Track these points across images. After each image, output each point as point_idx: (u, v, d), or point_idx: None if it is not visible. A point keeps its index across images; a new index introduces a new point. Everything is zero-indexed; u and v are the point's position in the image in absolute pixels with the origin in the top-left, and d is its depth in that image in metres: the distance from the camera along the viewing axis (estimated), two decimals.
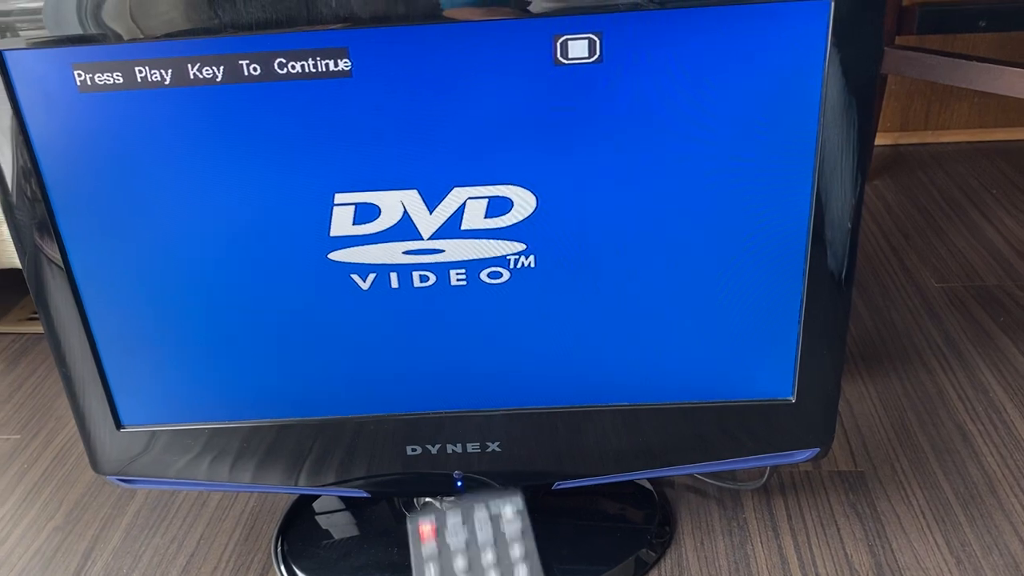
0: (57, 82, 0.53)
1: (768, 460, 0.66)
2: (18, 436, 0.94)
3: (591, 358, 0.61)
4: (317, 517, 0.81)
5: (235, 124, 0.54)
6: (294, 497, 0.82)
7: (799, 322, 0.60)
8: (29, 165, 0.55)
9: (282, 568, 0.74)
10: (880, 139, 1.53)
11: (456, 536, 0.41)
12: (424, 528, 0.43)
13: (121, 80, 0.52)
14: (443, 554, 0.40)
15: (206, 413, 0.64)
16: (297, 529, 0.79)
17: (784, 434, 0.64)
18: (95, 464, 0.67)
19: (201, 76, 0.52)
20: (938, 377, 0.94)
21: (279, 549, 0.76)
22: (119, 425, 0.64)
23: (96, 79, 0.52)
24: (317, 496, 0.82)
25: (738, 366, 0.62)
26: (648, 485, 0.80)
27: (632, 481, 0.79)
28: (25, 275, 0.60)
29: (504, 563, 0.39)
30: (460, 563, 0.40)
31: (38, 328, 1.13)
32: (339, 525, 0.81)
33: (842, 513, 0.77)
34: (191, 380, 0.63)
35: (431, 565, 0.40)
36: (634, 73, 0.52)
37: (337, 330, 0.61)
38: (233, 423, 0.64)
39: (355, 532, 0.81)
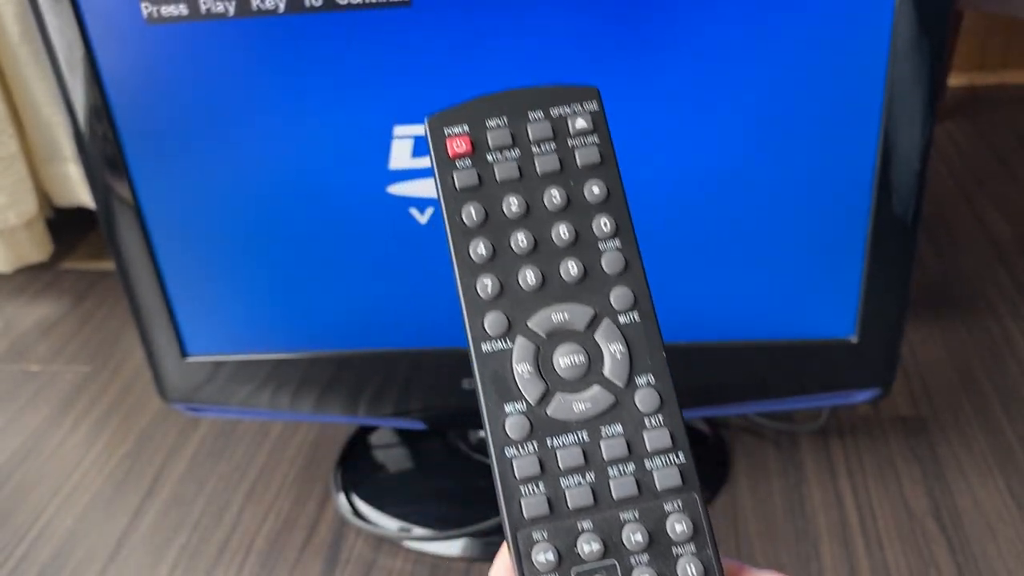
0: (124, 14, 0.53)
1: (827, 400, 0.66)
2: (88, 368, 0.98)
3: None
4: (374, 450, 0.83)
5: (296, 55, 0.54)
6: (352, 430, 0.84)
7: (863, 262, 0.59)
8: (99, 101, 0.56)
9: (341, 496, 0.76)
10: (954, 79, 1.47)
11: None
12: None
13: (186, 11, 0.53)
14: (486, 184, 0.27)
15: (267, 344, 0.66)
16: (355, 460, 0.81)
17: (844, 374, 0.63)
18: (162, 392, 0.69)
19: (264, 7, 0.52)
20: (1006, 323, 0.92)
21: (338, 478, 0.78)
22: (184, 354, 0.66)
23: (162, 11, 0.53)
24: (374, 429, 0.84)
25: (800, 305, 0.61)
26: (703, 426, 0.80)
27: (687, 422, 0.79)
28: (96, 208, 0.61)
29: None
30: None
31: (103, 265, 1.16)
32: (395, 458, 0.83)
33: (901, 456, 0.76)
34: (253, 311, 0.65)
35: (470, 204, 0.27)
36: None
37: (395, 263, 0.61)
38: (294, 354, 0.66)
39: (410, 465, 0.82)
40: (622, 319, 0.26)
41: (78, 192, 1.12)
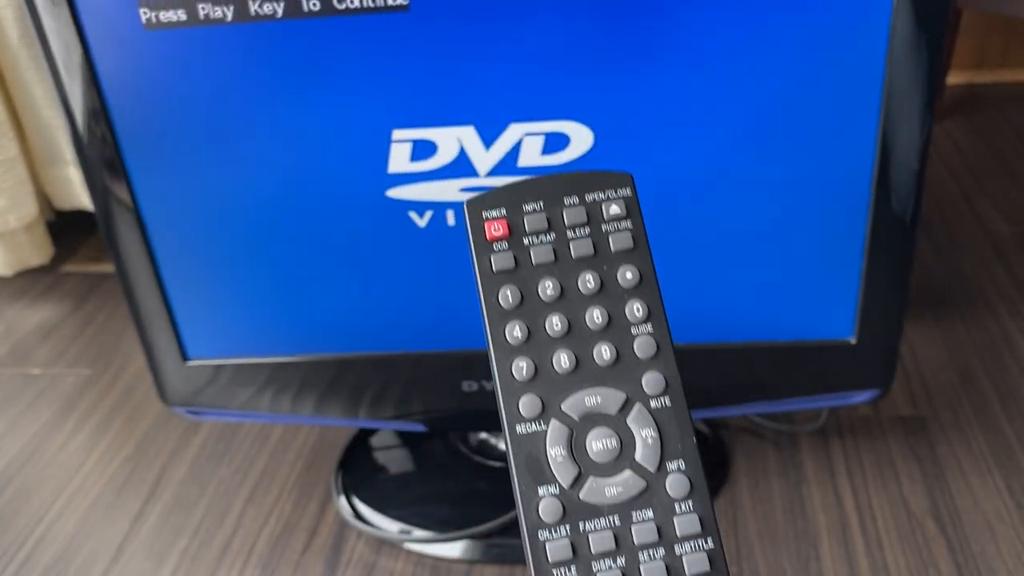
0: (123, 20, 0.53)
1: (826, 401, 0.66)
2: (89, 371, 0.98)
3: None
4: (374, 453, 0.83)
5: (295, 60, 0.54)
6: (352, 433, 0.84)
7: (862, 263, 0.59)
8: (98, 105, 0.56)
9: (342, 499, 0.77)
10: (953, 77, 1.48)
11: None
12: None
13: (185, 17, 0.53)
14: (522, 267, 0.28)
15: (268, 347, 0.66)
16: (355, 463, 0.81)
17: (843, 375, 0.63)
18: (163, 395, 0.69)
19: (262, 12, 0.53)
20: (1004, 322, 0.92)
21: (339, 481, 0.79)
22: (185, 358, 0.66)
23: (161, 16, 0.53)
24: (374, 432, 0.84)
25: (799, 305, 0.61)
26: (703, 427, 0.80)
27: None
28: (95, 212, 0.61)
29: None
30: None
31: (104, 267, 1.17)
32: (396, 460, 0.83)
33: (900, 456, 0.76)
34: (253, 314, 0.65)
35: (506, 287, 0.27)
36: None
37: (395, 266, 0.61)
38: (294, 357, 0.66)
39: (411, 467, 0.82)
40: (653, 404, 0.27)
41: (78, 195, 1.12)
